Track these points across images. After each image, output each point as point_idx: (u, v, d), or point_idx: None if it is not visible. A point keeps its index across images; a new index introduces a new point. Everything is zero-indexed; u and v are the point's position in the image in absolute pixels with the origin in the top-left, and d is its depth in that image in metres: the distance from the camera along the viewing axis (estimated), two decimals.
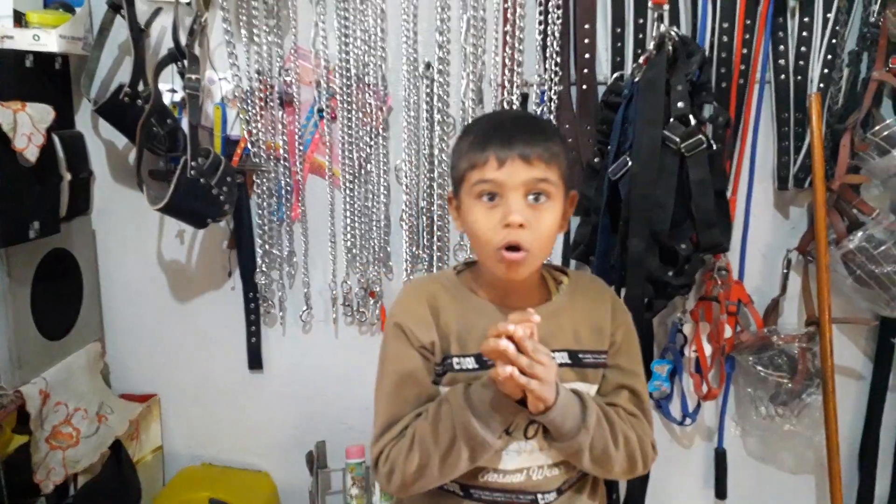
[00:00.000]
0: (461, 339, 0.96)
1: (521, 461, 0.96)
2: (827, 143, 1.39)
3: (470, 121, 1.43)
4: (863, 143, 1.34)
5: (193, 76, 1.33)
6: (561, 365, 0.94)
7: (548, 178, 0.91)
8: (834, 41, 1.37)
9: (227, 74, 1.43)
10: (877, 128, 1.33)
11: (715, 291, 1.48)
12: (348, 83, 1.42)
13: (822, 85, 1.38)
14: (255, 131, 1.44)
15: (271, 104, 1.44)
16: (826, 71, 1.38)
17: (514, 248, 0.89)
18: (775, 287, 1.49)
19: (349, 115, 1.43)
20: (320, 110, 1.44)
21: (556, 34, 1.38)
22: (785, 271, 1.48)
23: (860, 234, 1.37)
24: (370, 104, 1.43)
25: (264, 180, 1.47)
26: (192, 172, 1.30)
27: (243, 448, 1.64)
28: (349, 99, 1.43)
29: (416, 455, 0.90)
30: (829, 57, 1.37)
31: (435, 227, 1.48)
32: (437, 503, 1.00)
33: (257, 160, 1.45)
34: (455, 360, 0.95)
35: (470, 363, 0.95)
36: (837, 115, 1.39)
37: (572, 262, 1.51)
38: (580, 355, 0.98)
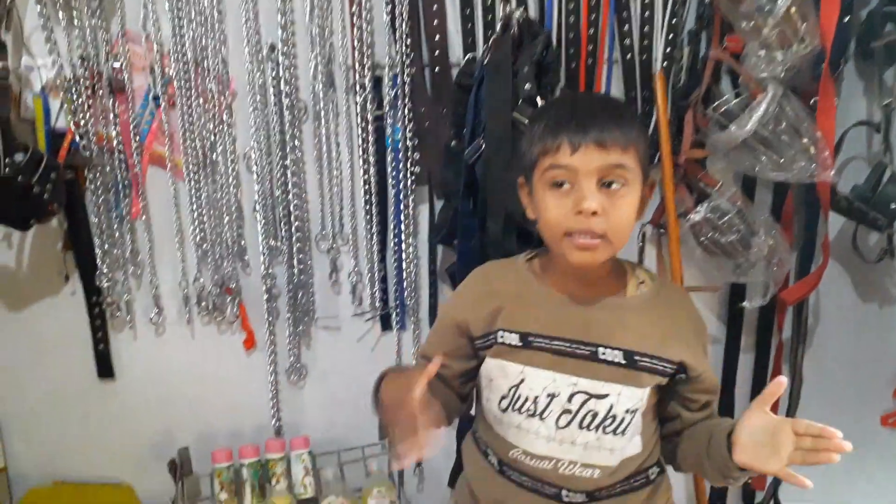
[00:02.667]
0: (511, 315, 0.97)
1: (550, 449, 0.97)
2: (672, 119, 1.45)
3: (322, 105, 1.40)
4: (704, 118, 1.41)
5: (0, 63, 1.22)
6: (612, 363, 0.94)
7: (624, 163, 0.89)
8: (674, 21, 1.42)
9: (47, 61, 1.31)
10: (716, 103, 1.40)
11: None
12: (186, 68, 1.35)
13: (665, 63, 1.44)
14: (83, 122, 1.34)
15: (100, 92, 1.34)
16: (668, 50, 1.43)
17: (585, 234, 0.88)
18: (633, 259, 1.55)
19: (189, 102, 1.36)
20: (156, 97, 1.36)
21: (405, 15, 1.36)
22: (640, 244, 1.54)
23: (706, 205, 1.44)
24: (211, 90, 1.36)
25: (98, 175, 1.37)
26: (7, 170, 1.19)
27: (100, 462, 1.56)
28: (188, 85, 1.36)
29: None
30: (671, 36, 1.43)
31: (292, 217, 1.44)
32: (478, 472, 1.06)
33: (88, 153, 1.35)
34: (500, 333, 0.97)
35: (514, 339, 0.96)
36: (681, 92, 1.45)
37: (439, 248, 1.51)
38: (636, 357, 0.94)
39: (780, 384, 0.84)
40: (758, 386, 1.66)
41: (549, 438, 0.96)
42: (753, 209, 1.46)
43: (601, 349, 0.94)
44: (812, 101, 1.38)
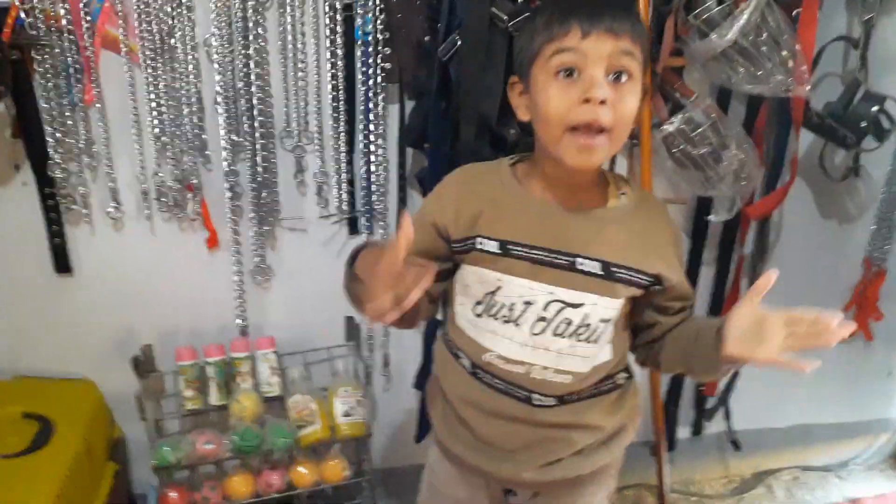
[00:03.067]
0: (490, 221, 0.96)
1: (524, 354, 0.97)
2: (653, 26, 1.40)
3: None
4: (685, 26, 1.37)
5: None
6: (589, 274, 0.93)
7: (633, 52, 0.85)
8: None
9: None
10: (698, 10, 1.35)
11: None
12: None
13: None
14: None
15: None
16: None
17: (590, 130, 0.85)
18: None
19: None
20: None
21: None
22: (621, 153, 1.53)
23: (680, 116, 1.42)
24: None
25: (47, 57, 1.27)
26: None
27: (61, 357, 1.53)
28: None
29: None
30: None
31: (255, 112, 1.37)
32: (450, 375, 1.07)
33: (34, 33, 1.25)
34: (479, 239, 0.96)
35: (493, 246, 0.95)
36: None
37: (408, 151, 1.47)
38: (613, 268, 0.94)
39: (769, 277, 0.85)
40: (717, 299, 1.71)
41: (524, 344, 0.97)
42: (727, 122, 1.45)
43: (579, 259, 0.94)
44: (794, 12, 1.36)
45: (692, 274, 1.68)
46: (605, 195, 0.99)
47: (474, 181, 1.01)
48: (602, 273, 0.94)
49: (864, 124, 1.42)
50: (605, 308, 0.96)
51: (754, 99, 1.52)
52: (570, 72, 0.86)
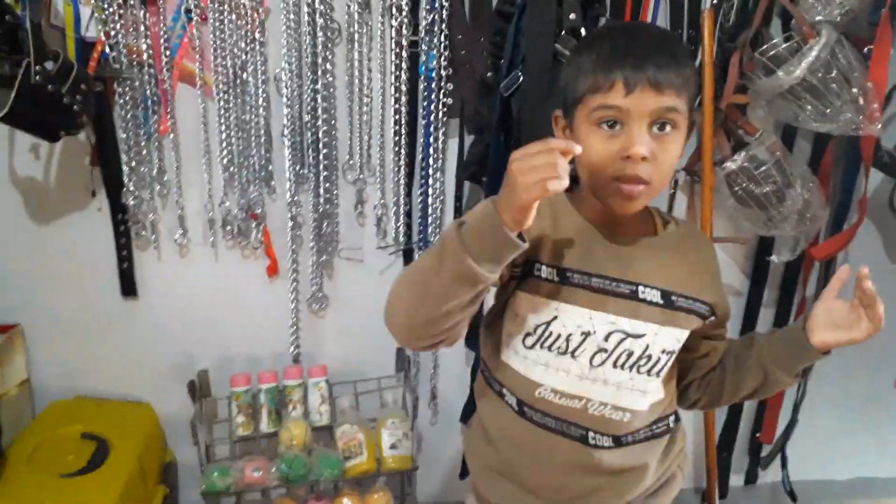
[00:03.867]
0: (553, 250, 0.93)
1: (582, 388, 0.93)
2: (718, 61, 1.40)
3: (356, 28, 1.36)
4: (751, 62, 1.36)
5: None
6: (651, 303, 0.92)
7: (677, 107, 0.84)
8: None
9: None
10: (764, 47, 1.35)
11: None
12: None
13: (715, 1, 1.38)
14: (113, 33, 1.30)
15: (132, 3, 1.30)
16: None
17: (632, 181, 0.84)
18: (663, 206, 1.53)
19: (221, 17, 1.33)
20: (188, 11, 1.32)
21: None
22: (672, 191, 1.52)
23: (743, 154, 1.41)
24: (244, 5, 1.32)
25: (128, 89, 1.34)
26: (38, 78, 1.17)
27: (121, 379, 1.57)
28: None
29: (409, 280, 0.85)
30: None
31: (321, 144, 1.41)
32: (495, 414, 1.00)
33: (118, 66, 1.32)
34: (538, 265, 0.92)
35: (552, 274, 0.92)
36: (729, 33, 1.40)
37: (465, 185, 1.49)
38: (673, 297, 0.93)
39: (846, 269, 0.93)
40: None
41: (581, 377, 0.93)
42: (792, 161, 1.43)
43: (641, 288, 0.92)
44: (866, 49, 1.34)
45: (751, 315, 1.63)
46: (653, 223, 0.99)
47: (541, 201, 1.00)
48: (663, 302, 0.92)
49: None
50: (666, 338, 0.93)
51: (820, 137, 1.50)
52: (612, 123, 0.84)
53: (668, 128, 0.85)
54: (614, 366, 0.92)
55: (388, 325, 0.88)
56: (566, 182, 0.73)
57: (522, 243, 0.77)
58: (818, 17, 1.29)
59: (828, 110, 1.32)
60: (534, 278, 0.93)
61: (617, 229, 0.94)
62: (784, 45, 1.33)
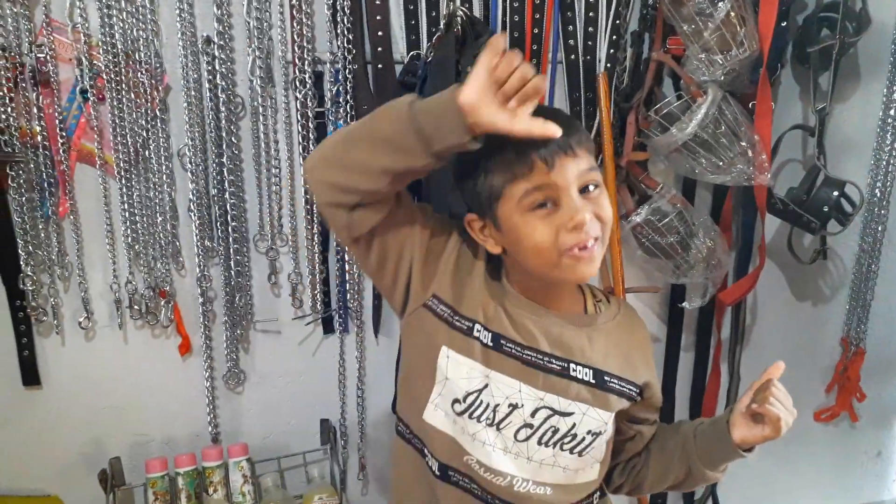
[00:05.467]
0: (490, 314, 0.93)
1: (507, 464, 0.93)
2: (615, 121, 1.48)
3: (260, 101, 1.38)
4: (646, 120, 1.44)
5: None
6: (582, 381, 0.93)
7: (593, 165, 0.89)
8: (618, 22, 1.45)
9: None
10: (658, 106, 1.43)
11: None
12: (115, 60, 1.30)
13: (609, 65, 1.46)
14: (4, 116, 1.28)
15: (23, 85, 1.28)
16: (612, 51, 1.46)
17: (585, 243, 0.86)
18: None
19: (120, 97, 1.32)
20: (84, 91, 1.31)
21: (346, 9, 1.34)
22: None
23: (647, 207, 1.47)
24: (143, 83, 1.32)
25: (21, 172, 1.31)
26: None
27: (26, 472, 1.50)
28: (118, 78, 1.31)
29: (335, 142, 0.88)
30: (615, 37, 1.45)
31: (229, 217, 1.41)
32: (413, 475, 1.00)
33: (10, 150, 1.29)
34: (478, 327, 0.93)
35: (488, 338, 0.93)
36: (624, 94, 1.48)
37: None
38: (605, 377, 0.95)
39: (778, 367, 0.96)
40: (698, 384, 1.71)
41: (506, 450, 0.94)
42: (693, 211, 1.50)
43: (573, 366, 0.93)
44: (750, 104, 1.43)
45: (671, 360, 1.69)
46: (583, 301, 1.01)
47: (475, 259, 0.99)
48: (594, 382, 0.94)
49: (826, 209, 1.47)
50: (594, 419, 0.95)
51: (719, 187, 1.59)
52: (545, 204, 0.86)
53: (592, 187, 0.88)
54: (539, 442, 0.93)
55: (307, 171, 0.90)
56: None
57: (474, 143, 0.80)
58: (703, 77, 1.38)
59: (721, 163, 1.40)
60: (471, 338, 0.93)
61: (548, 304, 0.96)
62: (675, 104, 1.41)
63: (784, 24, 1.45)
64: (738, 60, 1.36)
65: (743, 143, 1.41)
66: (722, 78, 1.37)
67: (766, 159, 1.41)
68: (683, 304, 1.60)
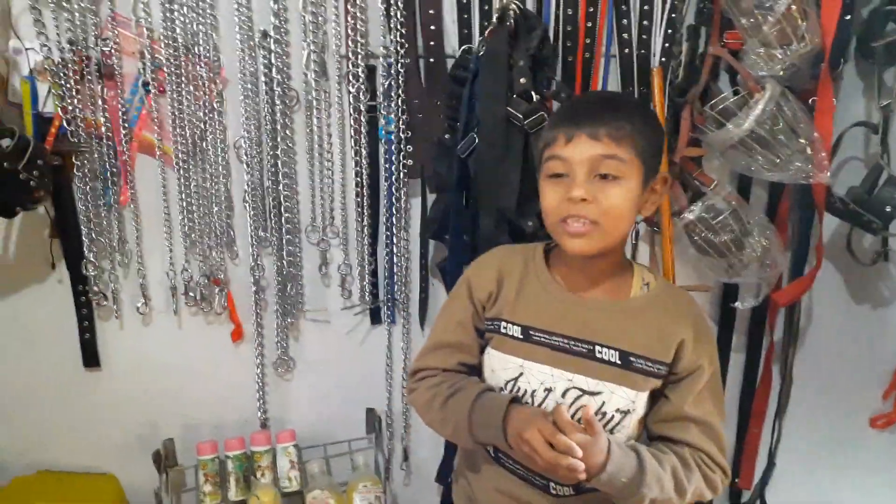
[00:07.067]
0: (517, 307, 1.05)
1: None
2: (669, 116, 1.48)
3: (314, 95, 1.43)
4: (701, 116, 1.44)
5: None
6: (607, 363, 1.00)
7: (616, 154, 0.95)
8: (674, 15, 1.45)
9: (35, 44, 1.33)
10: (713, 101, 1.43)
11: None
12: (176, 54, 1.37)
13: (663, 59, 1.47)
14: (71, 108, 1.36)
15: (88, 77, 1.36)
16: (667, 45, 1.46)
17: (576, 220, 0.95)
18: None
19: (179, 89, 1.39)
20: (146, 84, 1.38)
21: (400, 3, 1.38)
22: (633, 242, 1.58)
23: (700, 204, 1.48)
24: (202, 76, 1.39)
25: (86, 162, 1.40)
26: None
27: (84, 451, 1.60)
28: (178, 71, 1.38)
29: (429, 413, 1.08)
30: (670, 31, 1.46)
31: (282, 208, 1.47)
32: (473, 462, 1.13)
33: (76, 140, 1.38)
34: (503, 324, 1.05)
35: (516, 331, 1.04)
36: (678, 88, 1.48)
37: (430, 243, 1.55)
38: (631, 358, 1.00)
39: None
40: (748, 386, 1.71)
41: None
42: (748, 209, 1.50)
43: (598, 347, 1.00)
44: (810, 100, 1.42)
45: (721, 361, 1.68)
46: (629, 285, 1.05)
47: (509, 262, 1.09)
48: (620, 362, 1.00)
49: (888, 209, 1.45)
50: (622, 398, 1.00)
51: (776, 185, 1.57)
52: (560, 174, 0.98)
53: (609, 176, 0.95)
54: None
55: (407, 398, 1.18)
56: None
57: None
58: (762, 72, 1.37)
59: (778, 160, 1.40)
60: (500, 335, 1.05)
61: (585, 288, 1.04)
62: (732, 99, 1.41)
63: (848, 17, 1.43)
64: (799, 55, 1.35)
65: (802, 141, 1.40)
66: (781, 73, 1.36)
67: (825, 157, 1.40)
68: (736, 303, 1.60)
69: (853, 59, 1.53)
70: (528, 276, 1.07)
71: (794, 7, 1.34)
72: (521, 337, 1.03)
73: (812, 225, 1.56)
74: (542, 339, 1.02)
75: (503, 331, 1.04)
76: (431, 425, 1.09)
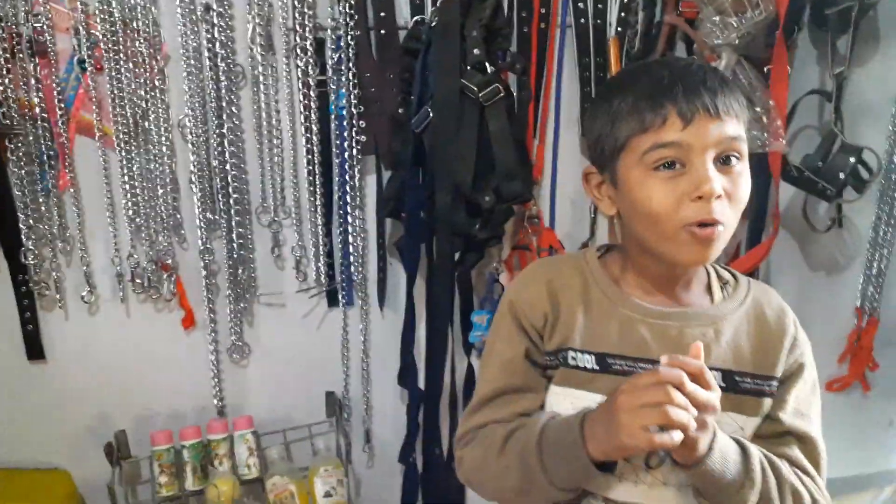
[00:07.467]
0: (587, 332, 0.85)
1: (638, 494, 0.83)
2: None
3: (261, 70, 1.39)
4: None
5: None
6: None
7: (740, 134, 0.77)
8: None
9: None
10: None
11: (527, 239, 1.56)
12: (113, 29, 1.32)
13: (619, 29, 1.46)
14: (2, 88, 1.30)
15: (20, 56, 1.30)
16: (623, 14, 1.46)
17: (706, 225, 0.76)
18: (585, 231, 1.60)
19: (118, 66, 1.34)
20: (81, 61, 1.33)
21: None
22: (592, 216, 1.59)
23: None
24: (142, 53, 1.34)
25: (21, 145, 1.34)
26: None
27: (34, 446, 1.55)
28: (116, 47, 1.33)
29: (484, 471, 0.86)
30: (626, 0, 1.45)
31: (231, 189, 1.43)
32: None
33: (8, 122, 1.32)
34: (572, 353, 0.84)
35: (590, 361, 0.84)
36: (635, 58, 1.48)
37: (387, 221, 1.53)
38: (737, 378, 0.83)
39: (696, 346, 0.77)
40: None
41: (636, 482, 0.83)
42: None
43: None
44: (766, 69, 1.43)
45: None
46: (710, 289, 0.89)
47: (560, 275, 0.89)
48: (725, 385, 0.82)
49: (842, 176, 1.47)
50: (729, 426, 0.82)
51: None
52: (672, 164, 0.77)
53: (733, 160, 0.77)
54: (674, 462, 0.77)
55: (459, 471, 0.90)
56: (680, 437, 0.68)
57: (610, 475, 0.76)
58: (718, 41, 1.38)
59: None
60: (568, 368, 0.85)
61: (668, 300, 0.86)
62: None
63: None
64: (754, 23, 1.35)
65: (757, 109, 1.41)
66: (737, 42, 1.37)
67: (780, 125, 1.41)
68: None
69: (807, 27, 1.54)
70: (590, 291, 0.87)
71: None
72: (597, 367, 0.83)
73: (768, 193, 1.58)
74: (624, 368, 0.83)
75: (571, 362, 0.84)
76: (490, 489, 0.87)
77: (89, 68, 1.33)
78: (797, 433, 0.85)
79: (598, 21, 1.46)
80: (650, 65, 0.93)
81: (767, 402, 0.84)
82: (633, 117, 0.78)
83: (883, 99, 1.61)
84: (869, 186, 1.50)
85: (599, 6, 1.46)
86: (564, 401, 0.86)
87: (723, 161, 0.77)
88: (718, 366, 0.82)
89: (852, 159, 1.49)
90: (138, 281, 1.45)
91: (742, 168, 0.78)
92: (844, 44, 1.49)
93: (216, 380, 1.55)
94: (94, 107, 1.35)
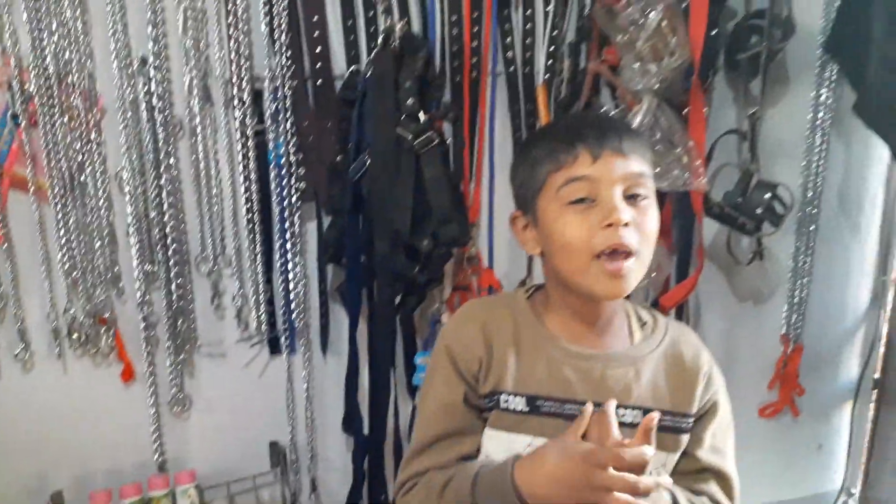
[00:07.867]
0: (518, 374, 0.88)
1: None
2: None
3: (199, 121, 1.41)
4: None
5: None
6: (630, 426, 0.86)
7: (645, 172, 0.85)
8: (555, 33, 1.53)
9: None
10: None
11: (468, 280, 1.61)
12: (48, 83, 1.33)
13: (547, 76, 1.55)
14: None
15: None
16: (550, 62, 1.54)
17: (617, 255, 0.81)
18: (522, 271, 1.66)
19: (53, 121, 1.34)
20: (15, 116, 1.33)
21: (284, 25, 1.39)
22: (529, 255, 1.65)
23: None
24: (78, 106, 1.35)
25: None
26: None
27: None
28: (51, 102, 1.34)
29: None
30: (552, 48, 1.54)
31: (169, 240, 1.44)
32: None
33: None
34: (504, 396, 0.88)
35: (521, 404, 0.88)
36: (563, 104, 1.56)
37: (329, 267, 1.55)
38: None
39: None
40: None
41: None
42: None
43: (619, 411, 0.86)
44: (684, 111, 1.53)
45: None
46: (628, 327, 0.94)
47: (492, 318, 0.93)
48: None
49: (759, 211, 1.58)
50: (653, 464, 0.83)
51: (658, 193, 1.68)
52: (584, 199, 0.84)
53: (640, 196, 0.85)
54: None
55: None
56: None
57: None
58: (638, 86, 1.47)
59: (657, 169, 1.50)
60: (500, 411, 0.89)
61: (590, 339, 0.91)
62: (612, 113, 1.50)
63: (715, 32, 1.56)
64: (671, 69, 1.45)
65: (678, 150, 1.50)
66: (656, 86, 1.46)
67: (700, 164, 1.51)
68: None
69: (723, 70, 1.66)
70: (520, 332, 0.91)
71: (664, 23, 1.45)
72: (527, 409, 0.87)
73: (693, 229, 1.67)
74: (552, 410, 0.87)
75: (504, 405, 0.88)
76: None
77: (23, 123, 1.33)
78: (714, 469, 0.91)
79: (527, 69, 1.55)
80: (567, 116, 1.10)
81: (685, 438, 0.91)
82: (549, 158, 0.87)
83: (795, 136, 1.74)
84: (784, 220, 1.61)
85: (528, 54, 1.54)
86: (498, 444, 0.90)
87: (631, 197, 0.85)
88: (639, 404, 0.88)
89: (768, 195, 1.60)
90: (75, 336, 1.43)
91: (649, 204, 0.86)
92: (757, 86, 1.61)
93: (157, 434, 1.53)
94: (28, 161, 1.35)
